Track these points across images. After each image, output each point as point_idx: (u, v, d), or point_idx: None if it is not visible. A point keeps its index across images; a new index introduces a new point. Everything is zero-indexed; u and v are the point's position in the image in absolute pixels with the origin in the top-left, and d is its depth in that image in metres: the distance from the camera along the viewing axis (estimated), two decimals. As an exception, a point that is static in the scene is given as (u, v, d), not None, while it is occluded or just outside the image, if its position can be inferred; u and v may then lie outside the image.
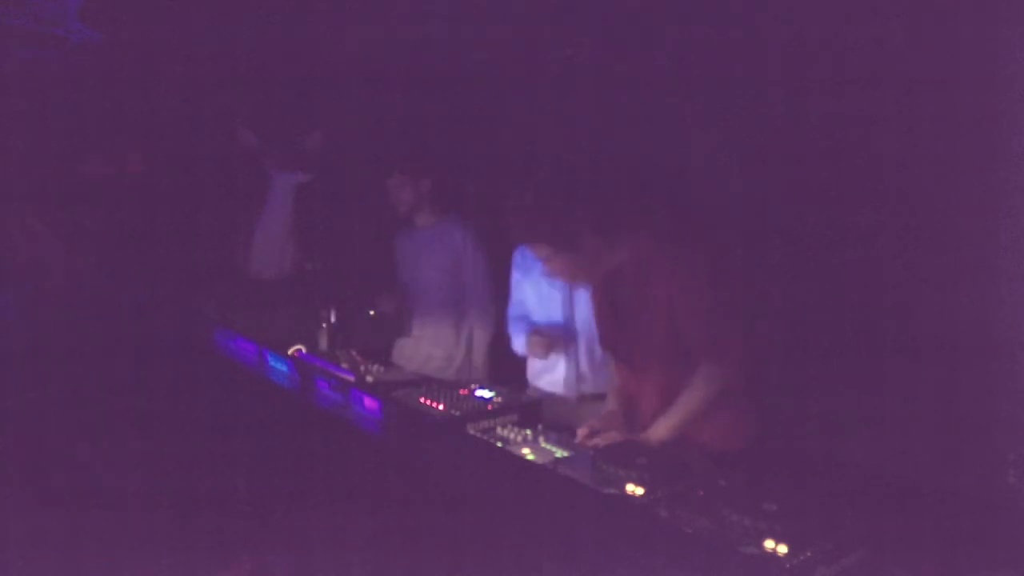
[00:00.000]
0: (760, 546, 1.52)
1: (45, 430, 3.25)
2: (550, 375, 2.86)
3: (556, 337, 2.78)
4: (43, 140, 4.28)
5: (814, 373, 2.67)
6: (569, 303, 2.82)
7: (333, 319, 3.27)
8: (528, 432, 2.21)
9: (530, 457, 2.05)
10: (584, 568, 1.62)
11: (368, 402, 2.39)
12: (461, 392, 2.51)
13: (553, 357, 2.82)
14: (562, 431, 2.26)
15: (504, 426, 2.28)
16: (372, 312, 3.63)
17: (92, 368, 3.49)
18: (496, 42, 3.30)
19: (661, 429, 2.19)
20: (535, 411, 2.41)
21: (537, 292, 2.91)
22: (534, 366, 2.94)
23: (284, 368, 2.81)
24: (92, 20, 3.88)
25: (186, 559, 2.42)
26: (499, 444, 2.15)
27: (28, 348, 3.71)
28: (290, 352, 2.90)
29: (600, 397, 2.69)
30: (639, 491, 1.77)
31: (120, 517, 2.66)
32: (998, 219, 2.15)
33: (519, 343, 2.90)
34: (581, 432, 2.27)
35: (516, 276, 3.01)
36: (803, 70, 2.57)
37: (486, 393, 2.49)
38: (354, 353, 2.99)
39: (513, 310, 3.02)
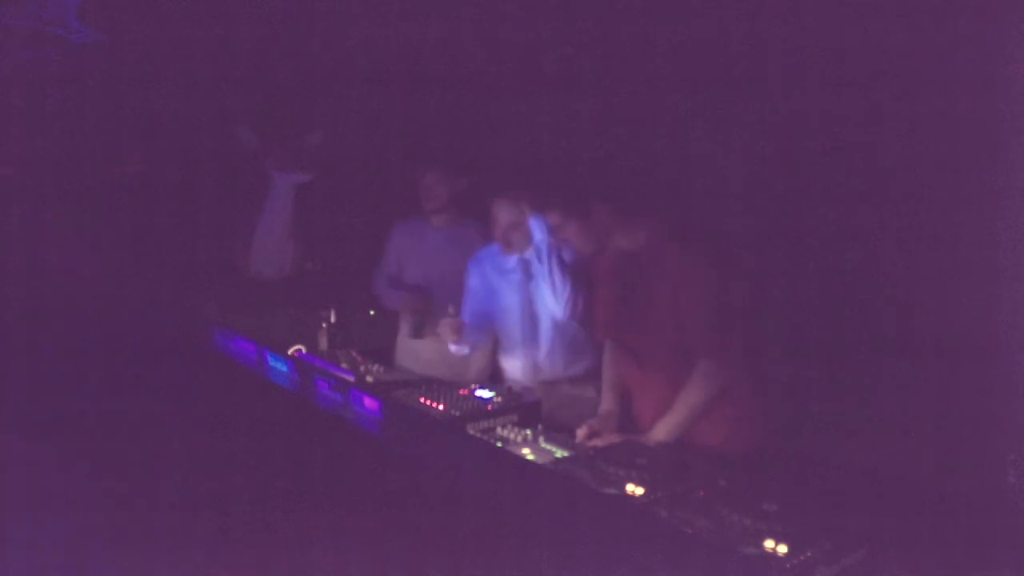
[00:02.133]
0: (760, 546, 1.52)
1: (45, 430, 3.24)
2: (512, 364, 2.96)
3: (463, 323, 2.90)
4: (43, 140, 4.28)
5: (814, 373, 2.67)
6: (528, 309, 2.88)
7: (333, 319, 3.27)
8: (528, 432, 2.20)
9: (530, 457, 2.05)
10: (584, 568, 1.62)
11: (368, 402, 2.39)
12: (461, 392, 2.51)
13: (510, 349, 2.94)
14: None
15: (504, 426, 2.28)
16: (372, 312, 3.62)
17: (92, 368, 3.49)
18: (496, 42, 3.30)
19: (662, 431, 2.19)
20: (535, 411, 2.42)
21: (496, 296, 2.96)
22: (508, 361, 3.02)
23: (284, 368, 2.81)
24: (92, 20, 3.88)
25: (186, 559, 2.41)
26: (499, 444, 2.15)
27: (27, 348, 3.71)
28: (290, 352, 2.90)
29: (559, 382, 2.84)
30: (639, 491, 1.77)
31: (120, 517, 2.65)
32: (998, 219, 2.15)
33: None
34: (580, 432, 2.27)
35: (473, 283, 3.04)
36: (803, 70, 2.57)
37: (486, 393, 2.49)
38: (354, 353, 2.99)
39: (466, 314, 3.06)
